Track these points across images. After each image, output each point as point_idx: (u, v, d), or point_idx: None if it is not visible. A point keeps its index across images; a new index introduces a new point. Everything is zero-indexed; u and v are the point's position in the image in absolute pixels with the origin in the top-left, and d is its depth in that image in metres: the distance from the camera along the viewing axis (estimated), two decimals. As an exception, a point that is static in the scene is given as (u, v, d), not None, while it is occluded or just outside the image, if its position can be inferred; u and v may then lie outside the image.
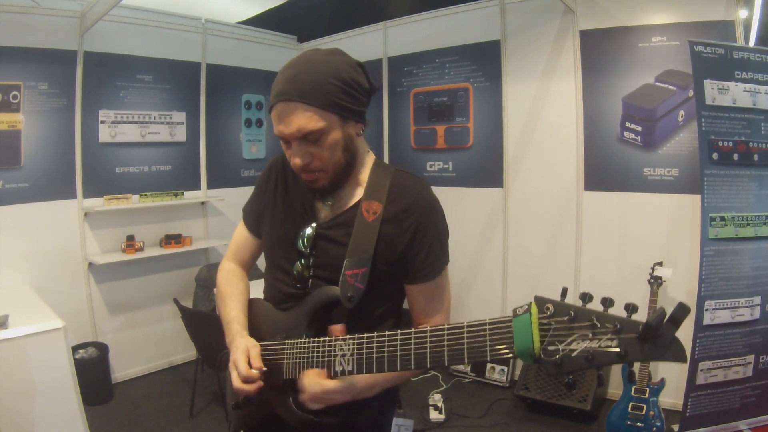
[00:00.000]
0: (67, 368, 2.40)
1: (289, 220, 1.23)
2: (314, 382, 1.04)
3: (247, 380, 1.09)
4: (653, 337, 0.66)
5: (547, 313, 0.76)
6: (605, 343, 0.70)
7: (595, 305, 0.74)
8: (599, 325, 0.71)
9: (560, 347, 0.73)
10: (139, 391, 3.51)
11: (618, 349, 0.69)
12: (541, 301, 0.77)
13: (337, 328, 1.07)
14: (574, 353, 0.71)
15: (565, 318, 0.74)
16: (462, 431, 3.01)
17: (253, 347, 1.13)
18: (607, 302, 0.73)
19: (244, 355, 1.11)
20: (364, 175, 1.20)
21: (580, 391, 2.95)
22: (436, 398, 3.21)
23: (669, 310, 0.67)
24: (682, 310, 0.65)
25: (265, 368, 1.11)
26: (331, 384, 1.03)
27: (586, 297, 0.74)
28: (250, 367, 1.10)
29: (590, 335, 0.71)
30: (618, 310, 0.72)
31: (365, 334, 0.99)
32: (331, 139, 1.08)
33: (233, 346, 1.16)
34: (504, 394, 3.40)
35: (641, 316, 0.68)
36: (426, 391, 3.38)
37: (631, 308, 0.71)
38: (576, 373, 0.71)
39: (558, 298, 0.79)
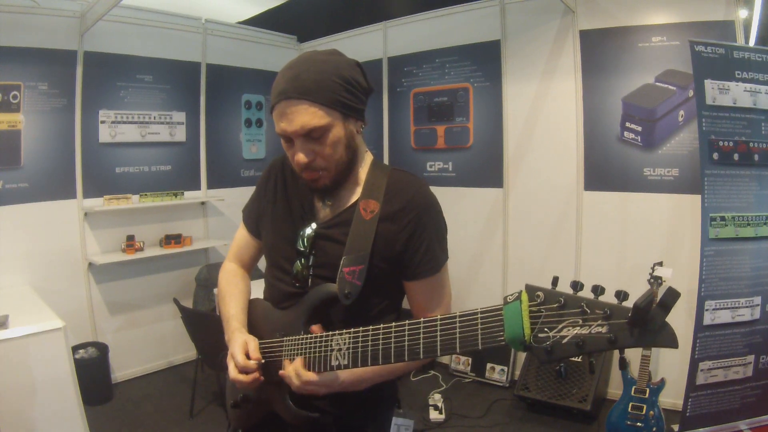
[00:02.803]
0: (67, 368, 2.40)
1: (288, 221, 1.23)
2: (294, 372, 1.05)
3: (244, 370, 1.09)
4: (643, 321, 0.66)
5: (537, 300, 0.76)
6: (595, 330, 0.69)
7: (586, 293, 0.73)
8: (589, 312, 0.71)
9: (551, 334, 0.73)
10: (139, 391, 3.51)
11: (609, 335, 0.69)
12: (531, 289, 0.77)
13: (315, 329, 1.08)
14: (565, 340, 0.71)
15: (555, 305, 0.74)
16: (462, 431, 3.00)
17: (251, 341, 1.14)
18: (598, 290, 0.73)
19: (242, 348, 1.12)
20: (363, 174, 1.20)
21: (580, 391, 2.93)
22: (436, 398, 3.20)
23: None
24: (671, 295, 0.65)
25: (263, 360, 1.11)
26: (312, 375, 1.04)
27: (577, 285, 0.74)
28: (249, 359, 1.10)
29: (580, 322, 0.71)
30: (609, 298, 0.72)
31: (360, 329, 0.99)
32: (333, 136, 1.08)
33: (231, 342, 1.16)
34: (504, 394, 3.39)
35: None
36: (426, 391, 3.37)
37: (621, 295, 0.71)
38: (567, 360, 0.71)
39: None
